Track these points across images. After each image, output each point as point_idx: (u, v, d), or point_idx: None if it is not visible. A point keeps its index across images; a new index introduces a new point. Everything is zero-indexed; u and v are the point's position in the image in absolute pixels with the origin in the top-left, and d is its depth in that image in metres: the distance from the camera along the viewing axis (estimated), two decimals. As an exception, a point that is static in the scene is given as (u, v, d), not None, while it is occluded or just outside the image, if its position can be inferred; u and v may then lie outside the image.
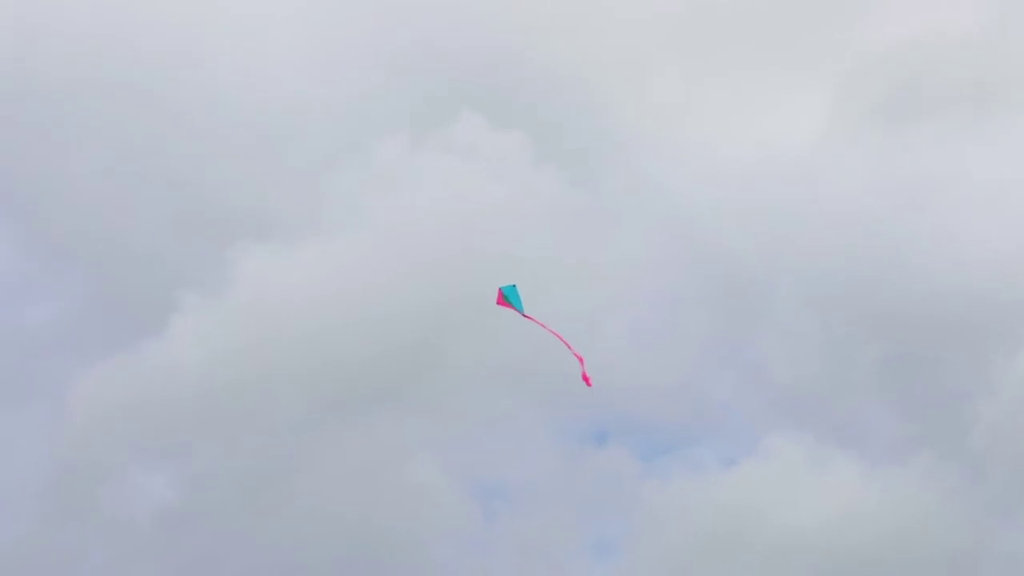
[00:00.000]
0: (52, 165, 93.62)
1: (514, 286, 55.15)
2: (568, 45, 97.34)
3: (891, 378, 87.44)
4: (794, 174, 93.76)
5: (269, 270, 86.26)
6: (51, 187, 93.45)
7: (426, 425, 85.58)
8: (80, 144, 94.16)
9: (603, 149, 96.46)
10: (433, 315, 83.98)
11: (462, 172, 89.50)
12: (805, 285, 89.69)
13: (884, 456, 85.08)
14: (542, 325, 54.74)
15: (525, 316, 54.68)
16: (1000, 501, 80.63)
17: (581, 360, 55.67)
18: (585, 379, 55.84)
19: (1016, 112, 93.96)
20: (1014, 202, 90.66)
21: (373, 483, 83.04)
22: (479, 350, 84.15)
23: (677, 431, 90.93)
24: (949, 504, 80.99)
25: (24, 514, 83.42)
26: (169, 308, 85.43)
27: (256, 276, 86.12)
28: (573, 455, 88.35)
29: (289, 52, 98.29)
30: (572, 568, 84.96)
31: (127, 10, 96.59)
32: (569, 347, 55.18)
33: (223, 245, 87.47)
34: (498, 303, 55.20)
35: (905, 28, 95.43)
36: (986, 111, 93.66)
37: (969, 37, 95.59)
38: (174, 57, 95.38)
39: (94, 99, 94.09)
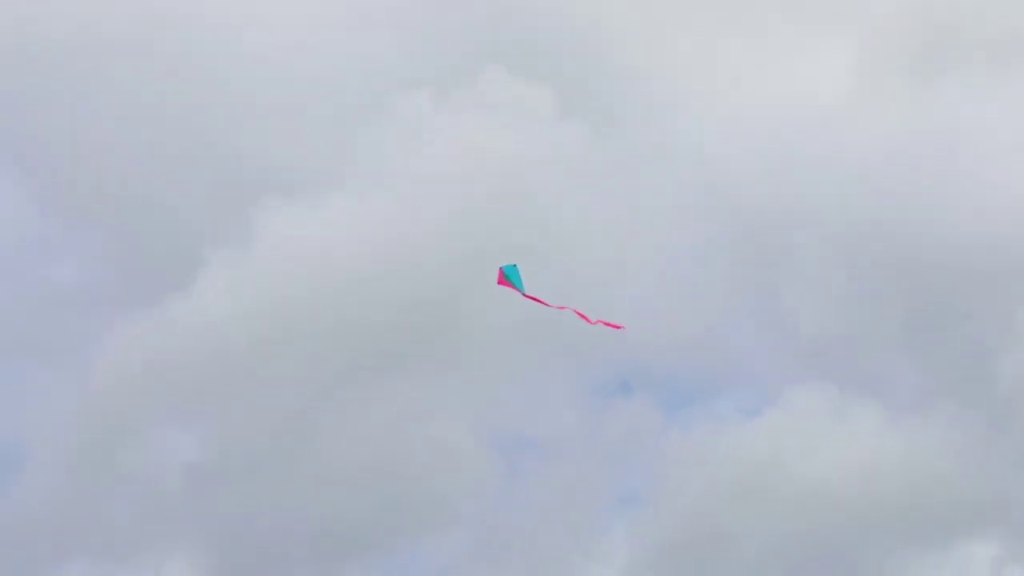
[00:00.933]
0: (76, 122, 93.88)
1: (515, 266, 54.25)
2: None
3: (916, 328, 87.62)
4: (820, 124, 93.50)
5: (295, 225, 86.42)
6: (75, 143, 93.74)
7: (451, 381, 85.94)
8: (104, 100, 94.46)
9: (628, 101, 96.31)
10: (459, 270, 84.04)
11: (486, 126, 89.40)
12: (830, 236, 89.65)
13: (908, 406, 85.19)
14: (544, 303, 53.84)
15: (526, 296, 53.84)
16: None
17: (601, 322, 54.84)
18: (615, 327, 54.96)
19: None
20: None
21: (398, 440, 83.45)
22: (505, 305, 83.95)
23: (700, 382, 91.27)
24: (973, 455, 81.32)
25: (49, 473, 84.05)
26: (195, 264, 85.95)
27: (282, 232, 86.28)
28: (596, 408, 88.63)
29: (312, 6, 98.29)
30: (597, 520, 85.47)
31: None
32: (582, 316, 54.24)
33: (249, 201, 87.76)
34: (499, 283, 54.16)
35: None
36: (1013, 62, 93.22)
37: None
38: (198, 12, 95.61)
39: (119, 55, 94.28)
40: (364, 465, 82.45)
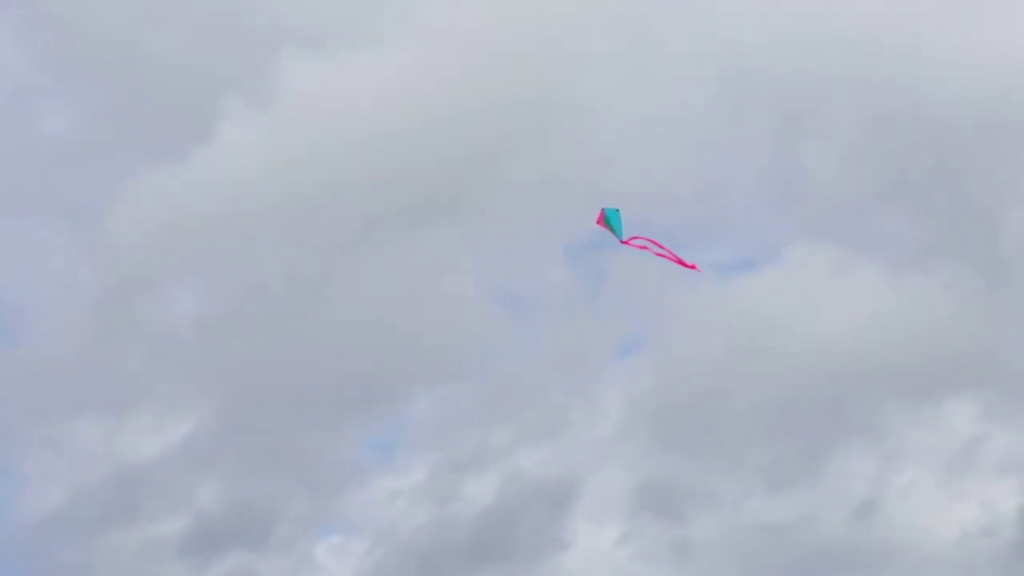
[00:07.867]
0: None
1: (618, 210, 52.94)
2: None
3: (919, 186, 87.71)
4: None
5: (317, 79, 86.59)
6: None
7: (463, 238, 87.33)
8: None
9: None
10: (485, 126, 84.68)
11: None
12: (839, 94, 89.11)
13: (907, 263, 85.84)
14: (643, 247, 53.02)
15: (624, 242, 52.81)
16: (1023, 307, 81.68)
17: (692, 266, 53.91)
18: (692, 267, 54.04)
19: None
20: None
21: (410, 295, 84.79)
22: (532, 164, 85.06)
23: (704, 236, 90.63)
24: (972, 310, 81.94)
25: (67, 323, 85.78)
26: (214, 118, 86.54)
27: (304, 85, 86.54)
28: (604, 261, 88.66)
29: None
30: (596, 373, 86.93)
31: None
32: (681, 262, 53.57)
33: (271, 53, 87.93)
34: (597, 223, 53.08)
35: None
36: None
37: None
38: None
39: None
40: (376, 319, 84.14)
